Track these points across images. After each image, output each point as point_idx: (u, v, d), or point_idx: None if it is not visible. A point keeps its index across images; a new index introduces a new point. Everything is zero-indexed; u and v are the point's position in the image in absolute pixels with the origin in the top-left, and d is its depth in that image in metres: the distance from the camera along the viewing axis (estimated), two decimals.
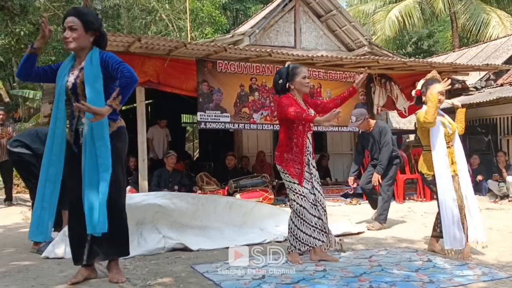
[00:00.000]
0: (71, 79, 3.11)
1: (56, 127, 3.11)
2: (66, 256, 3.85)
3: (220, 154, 10.59)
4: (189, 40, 9.88)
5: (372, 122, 5.85)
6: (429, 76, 4.31)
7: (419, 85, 4.28)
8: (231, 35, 10.17)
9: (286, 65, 4.08)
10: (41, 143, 4.17)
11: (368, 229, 5.45)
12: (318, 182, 4.00)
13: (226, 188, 8.01)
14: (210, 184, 8.05)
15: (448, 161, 4.06)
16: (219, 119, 7.70)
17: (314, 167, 4.00)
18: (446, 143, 4.10)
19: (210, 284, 3.26)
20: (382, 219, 5.57)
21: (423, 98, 4.18)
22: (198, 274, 3.52)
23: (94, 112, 2.86)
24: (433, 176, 4.10)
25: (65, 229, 4.08)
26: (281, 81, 3.98)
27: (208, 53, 7.56)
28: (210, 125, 7.68)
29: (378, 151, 5.73)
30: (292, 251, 3.87)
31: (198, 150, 12.13)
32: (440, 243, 4.17)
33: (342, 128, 8.66)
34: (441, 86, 4.05)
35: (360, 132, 6.01)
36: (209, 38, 16.31)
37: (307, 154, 3.93)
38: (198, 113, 7.63)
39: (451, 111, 4.63)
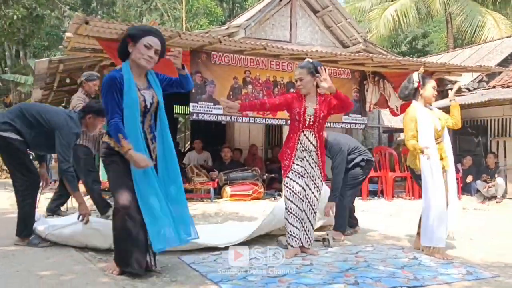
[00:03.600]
0: (148, 98, 3.17)
1: (137, 143, 3.10)
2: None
3: (212, 147, 10.56)
4: (184, 31, 9.80)
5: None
6: (421, 70, 4.36)
7: (416, 77, 4.21)
8: (226, 27, 10.11)
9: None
10: (27, 123, 3.93)
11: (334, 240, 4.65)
12: (314, 181, 3.98)
13: (216, 180, 8.00)
14: (200, 176, 8.03)
15: (438, 157, 4.07)
16: (211, 110, 7.67)
17: (311, 165, 3.97)
18: (435, 139, 4.12)
19: (196, 275, 3.26)
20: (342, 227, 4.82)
21: (421, 91, 4.18)
22: (185, 265, 3.52)
23: (178, 62, 3.20)
24: (420, 171, 4.12)
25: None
26: None
27: (202, 44, 7.51)
28: (203, 116, 7.66)
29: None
30: (287, 247, 3.91)
31: (189, 142, 12.09)
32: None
33: (333, 124, 8.66)
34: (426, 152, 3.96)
35: None
36: (204, 29, 16.23)
37: (302, 151, 3.94)
38: (191, 104, 7.59)
39: (444, 111, 4.64)
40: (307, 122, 3.93)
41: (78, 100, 5.62)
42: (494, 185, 8.77)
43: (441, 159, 4.12)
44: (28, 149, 4.05)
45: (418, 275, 3.34)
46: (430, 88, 4.16)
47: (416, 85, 4.21)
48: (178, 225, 3.20)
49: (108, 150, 3.18)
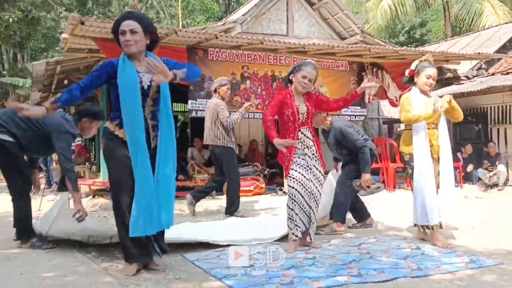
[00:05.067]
0: (146, 81, 3.15)
1: (135, 126, 3.09)
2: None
3: None
4: (180, 28, 9.78)
5: (328, 120, 4.96)
6: (424, 58, 4.32)
7: (413, 65, 4.26)
8: (222, 22, 10.09)
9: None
10: (21, 126, 3.91)
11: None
12: (316, 175, 3.98)
13: None
14: (201, 173, 8.04)
15: (427, 142, 4.08)
16: None
17: (313, 159, 3.99)
18: (427, 124, 4.12)
19: (200, 272, 3.26)
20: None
21: (415, 79, 4.21)
22: (188, 262, 3.52)
23: (163, 70, 3.01)
24: (411, 155, 4.14)
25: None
26: (290, 71, 4.10)
27: (199, 41, 7.49)
28: (202, 113, 7.62)
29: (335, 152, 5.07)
30: (291, 238, 3.90)
31: (189, 139, 12.07)
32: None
33: (334, 116, 8.61)
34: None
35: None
36: (201, 26, 16.20)
37: (304, 148, 3.96)
38: (189, 101, 7.58)
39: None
40: (301, 120, 3.95)
41: (220, 106, 5.74)
42: (495, 173, 8.76)
43: (431, 145, 4.13)
44: (21, 151, 4.03)
45: (421, 265, 3.34)
46: (423, 77, 4.16)
47: (407, 73, 4.31)
48: (161, 214, 3.18)
49: (109, 136, 3.18)
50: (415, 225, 4.26)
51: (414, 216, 4.18)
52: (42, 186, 9.78)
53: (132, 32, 3.13)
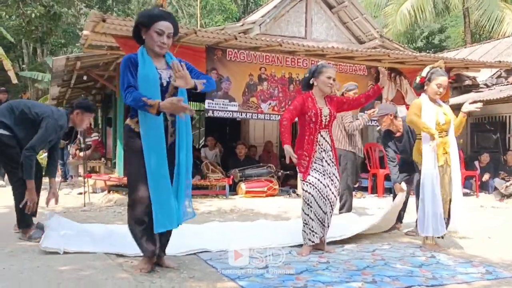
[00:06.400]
0: (165, 77, 3.17)
1: (154, 122, 3.10)
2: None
3: (227, 143, 10.58)
4: (199, 27, 9.82)
5: (399, 124, 5.02)
6: (436, 64, 4.33)
7: (424, 71, 4.29)
8: (241, 23, 10.11)
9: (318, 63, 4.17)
10: (17, 118, 4.02)
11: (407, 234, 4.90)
12: (332, 180, 3.99)
13: (232, 177, 8.02)
14: (215, 173, 8.06)
15: (436, 151, 4.08)
16: (227, 107, 7.68)
17: (330, 165, 4.00)
18: (438, 132, 4.11)
19: (213, 271, 3.28)
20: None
21: (425, 87, 4.22)
22: (202, 262, 3.55)
23: (185, 75, 3.00)
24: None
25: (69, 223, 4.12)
26: (307, 75, 4.10)
27: (218, 41, 7.52)
28: (218, 113, 7.67)
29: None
30: (306, 244, 3.90)
31: (203, 138, 12.12)
32: (438, 240, 4.18)
33: None
34: (433, 138, 4.04)
35: (380, 129, 5.33)
36: (219, 26, 16.24)
37: (321, 152, 3.96)
38: (206, 101, 7.60)
39: (456, 108, 4.62)
40: (324, 122, 3.96)
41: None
42: None
43: (445, 153, 4.15)
44: (18, 144, 4.05)
45: (436, 274, 3.31)
46: (433, 85, 4.16)
47: (418, 80, 4.33)
48: (179, 212, 3.21)
49: (129, 133, 3.20)
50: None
51: (420, 225, 4.15)
52: (58, 180, 9.95)
53: (169, 36, 3.17)
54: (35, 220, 4.26)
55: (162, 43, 3.14)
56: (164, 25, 3.14)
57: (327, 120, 3.97)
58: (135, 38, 3.28)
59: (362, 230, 4.57)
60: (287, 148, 3.80)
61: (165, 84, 3.17)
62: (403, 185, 5.00)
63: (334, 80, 3.99)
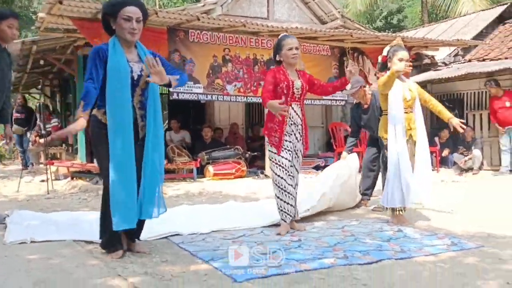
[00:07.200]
0: (136, 70, 3.08)
1: (123, 115, 3.02)
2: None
3: (190, 126, 10.48)
4: (157, 8, 9.59)
5: (369, 94, 5.29)
6: (394, 42, 4.44)
7: (384, 51, 4.41)
8: (202, 4, 9.94)
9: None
10: None
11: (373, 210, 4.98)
12: (298, 156, 4.03)
13: (199, 160, 7.97)
14: (181, 156, 7.99)
15: (404, 126, 4.19)
16: (191, 90, 7.59)
17: (298, 139, 4.01)
18: (404, 108, 4.21)
19: (186, 255, 3.26)
20: None
21: (388, 64, 4.29)
22: (174, 245, 3.52)
23: (160, 71, 2.97)
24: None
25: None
26: (273, 53, 4.08)
27: (180, 22, 7.38)
28: (183, 95, 7.57)
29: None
30: (281, 223, 3.94)
31: (167, 121, 11.94)
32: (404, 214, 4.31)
33: (314, 101, 8.66)
34: (402, 66, 4.14)
35: (354, 102, 5.57)
36: (178, 6, 15.92)
37: (291, 125, 3.95)
38: None
39: (422, 85, 4.74)
40: (296, 95, 3.95)
41: None
42: (471, 158, 8.96)
43: (410, 129, 4.26)
44: None
45: (404, 247, 3.40)
46: (396, 60, 4.23)
47: (380, 59, 4.43)
48: (143, 205, 3.16)
49: (96, 124, 3.10)
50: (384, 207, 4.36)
51: (385, 199, 4.27)
52: (20, 167, 9.65)
53: (138, 21, 3.08)
54: None
55: (132, 29, 3.05)
56: (131, 10, 3.05)
57: (299, 92, 3.96)
58: (105, 30, 3.17)
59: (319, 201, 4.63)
60: (272, 102, 3.65)
61: (136, 77, 3.09)
62: (344, 154, 5.31)
63: (297, 48, 3.94)
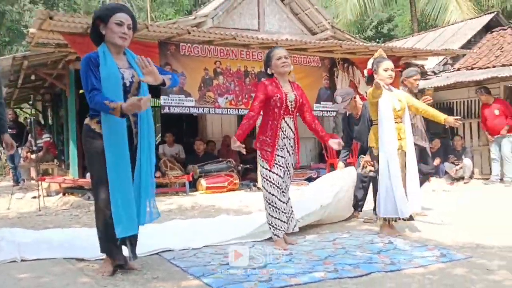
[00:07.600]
0: (127, 76, 3.10)
1: (117, 123, 3.01)
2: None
3: (183, 139, 10.49)
4: (149, 21, 9.66)
5: (360, 104, 5.32)
6: (376, 54, 4.51)
7: (369, 64, 4.45)
8: (193, 16, 10.01)
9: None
10: None
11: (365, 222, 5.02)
12: (289, 170, 4.02)
13: (191, 173, 7.98)
14: (174, 170, 7.99)
15: (394, 136, 4.24)
16: (183, 103, 7.62)
17: (290, 153, 3.99)
18: (394, 118, 4.26)
19: (177, 271, 3.26)
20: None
21: (375, 76, 4.33)
22: (165, 261, 3.52)
23: (153, 70, 2.99)
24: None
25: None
26: (264, 67, 4.07)
27: (170, 36, 7.43)
28: (174, 109, 7.60)
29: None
30: (275, 239, 3.92)
31: (159, 135, 11.94)
32: (394, 224, 4.35)
33: None
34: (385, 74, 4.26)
35: (346, 114, 5.59)
36: (170, 19, 16.01)
37: (283, 138, 3.92)
38: (162, 97, 7.52)
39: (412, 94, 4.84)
40: (289, 108, 3.91)
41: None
42: (461, 167, 9.02)
43: (400, 139, 4.30)
44: None
45: (394, 259, 3.42)
46: (381, 71, 4.30)
47: (366, 73, 4.49)
48: (139, 214, 3.17)
49: (89, 133, 3.10)
50: (377, 218, 4.42)
51: (378, 209, 4.31)
52: (11, 183, 9.59)
53: (129, 27, 3.11)
54: None
55: (124, 34, 3.08)
56: (124, 17, 3.10)
57: (292, 106, 3.91)
58: (93, 37, 3.19)
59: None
60: (234, 139, 3.79)
61: (128, 84, 3.11)
62: (341, 164, 5.32)
63: (286, 57, 3.90)
